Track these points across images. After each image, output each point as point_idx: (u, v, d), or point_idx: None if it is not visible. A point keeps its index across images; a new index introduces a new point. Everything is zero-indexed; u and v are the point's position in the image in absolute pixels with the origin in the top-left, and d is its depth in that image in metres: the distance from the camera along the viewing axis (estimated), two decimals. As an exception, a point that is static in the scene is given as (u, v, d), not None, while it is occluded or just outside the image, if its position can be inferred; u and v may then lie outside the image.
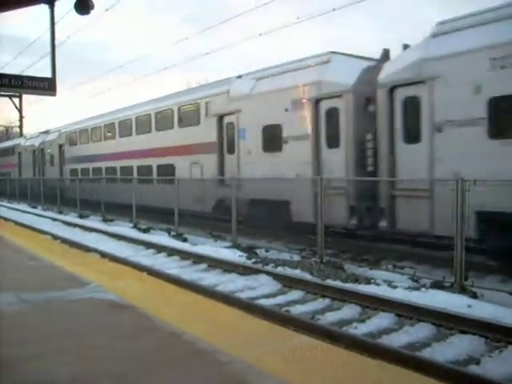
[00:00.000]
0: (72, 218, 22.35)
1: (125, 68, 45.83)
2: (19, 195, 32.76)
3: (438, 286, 8.69)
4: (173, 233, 16.00)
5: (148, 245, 13.82)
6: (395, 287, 8.51)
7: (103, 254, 11.68)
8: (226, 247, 13.04)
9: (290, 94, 14.17)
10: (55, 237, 14.85)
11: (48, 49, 9.34)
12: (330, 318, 7.33)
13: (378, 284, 8.81)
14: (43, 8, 8.94)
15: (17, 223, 18.91)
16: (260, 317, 6.25)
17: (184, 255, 12.17)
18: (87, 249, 12.50)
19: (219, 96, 17.20)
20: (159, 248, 13.23)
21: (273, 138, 14.98)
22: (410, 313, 7.13)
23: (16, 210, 27.18)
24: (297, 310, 7.75)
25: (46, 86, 8.71)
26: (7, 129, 64.98)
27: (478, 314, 6.72)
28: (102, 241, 14.92)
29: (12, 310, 5.82)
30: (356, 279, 9.20)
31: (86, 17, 8.51)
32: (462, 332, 6.43)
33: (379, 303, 7.58)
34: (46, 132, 34.97)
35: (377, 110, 12.07)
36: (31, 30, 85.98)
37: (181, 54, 52.57)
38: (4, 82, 8.70)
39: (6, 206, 29.75)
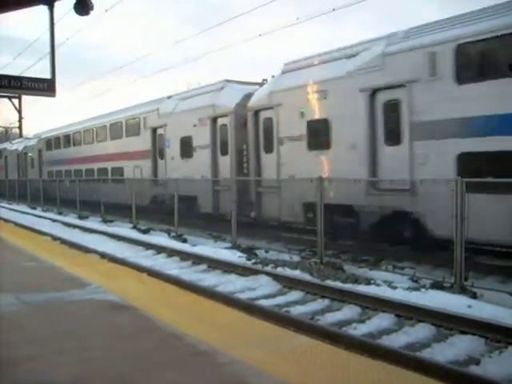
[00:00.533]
0: (71, 218, 22.36)
1: (124, 69, 45.85)
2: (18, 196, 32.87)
3: (437, 286, 8.69)
4: (173, 234, 16.00)
5: (148, 246, 13.81)
6: (395, 288, 8.51)
7: (103, 255, 11.67)
8: (225, 248, 13.04)
9: (197, 113, 18.34)
10: (55, 238, 14.85)
11: (47, 50, 9.34)
12: (329, 318, 7.33)
13: (377, 284, 8.81)
14: (42, 9, 8.94)
15: (17, 224, 18.90)
16: (260, 317, 6.25)
17: (184, 256, 12.17)
18: (87, 250, 12.50)
19: (153, 112, 21.33)
20: (159, 249, 13.23)
21: (187, 147, 18.96)
22: (409, 313, 7.12)
23: (16, 211, 27.18)
24: (296, 310, 7.74)
25: (46, 87, 8.69)
26: (6, 130, 64.92)
27: (477, 315, 6.72)
28: (101, 242, 14.90)
29: (11, 310, 5.82)
30: (356, 280, 9.19)
31: (85, 18, 8.52)
32: (462, 332, 6.42)
33: (379, 304, 7.57)
34: (29, 138, 39.91)
35: (248, 127, 15.90)
36: (30, 31, 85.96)
37: (180, 54, 52.72)
38: (3, 82, 8.68)
39: (5, 207, 29.74)
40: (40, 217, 23.52)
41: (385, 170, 11.80)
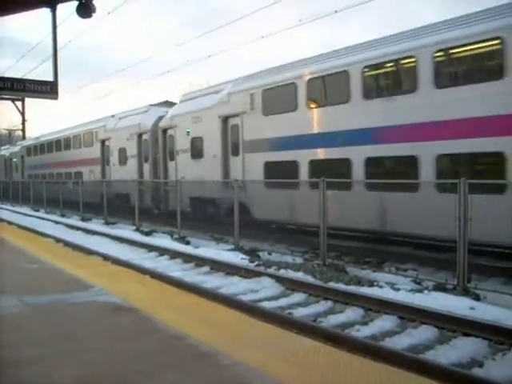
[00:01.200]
0: (74, 220, 22.40)
1: (127, 71, 45.97)
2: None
3: (440, 288, 8.67)
4: (175, 236, 16.01)
5: (150, 248, 13.82)
6: (398, 289, 8.50)
7: (106, 257, 11.68)
8: (228, 250, 13.04)
9: (128, 130, 24.05)
10: (58, 240, 14.87)
11: (50, 52, 9.37)
12: (332, 320, 7.32)
13: (380, 286, 8.80)
14: (45, 12, 8.97)
15: (20, 226, 18.94)
16: (262, 319, 6.23)
17: (186, 258, 12.18)
18: (90, 252, 12.51)
19: (101, 128, 27.10)
20: (162, 251, 13.24)
21: (123, 156, 24.76)
22: (412, 315, 7.11)
23: (19, 213, 27.24)
24: (299, 312, 7.73)
25: (48, 90, 8.73)
26: (10, 132, 65.10)
27: (480, 317, 6.70)
28: (104, 243, 14.93)
29: (14, 312, 5.82)
30: (359, 282, 9.19)
31: (87, 20, 8.55)
32: (465, 334, 6.41)
33: (382, 306, 7.56)
34: (14, 145, 44.97)
35: (159, 141, 21.37)
36: (33, 33, 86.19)
37: (183, 56, 52.84)
38: (6, 85, 8.73)
39: (8, 209, 29.81)
40: (43, 219, 23.57)
41: (233, 172, 17.12)
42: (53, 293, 6.79)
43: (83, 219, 22.82)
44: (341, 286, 8.85)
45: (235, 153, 17.08)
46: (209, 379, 3.90)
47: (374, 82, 13.24)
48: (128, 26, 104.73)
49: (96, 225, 20.31)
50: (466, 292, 8.35)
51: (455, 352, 5.95)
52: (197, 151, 18.87)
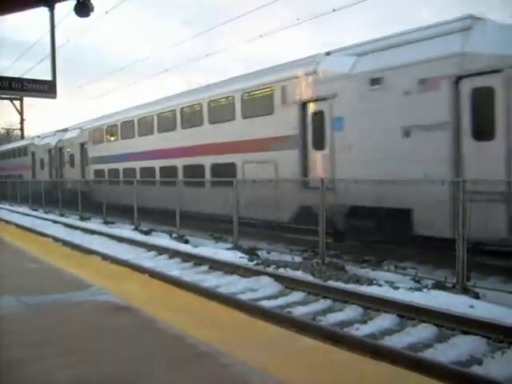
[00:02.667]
0: (73, 220, 22.37)
1: (125, 70, 45.92)
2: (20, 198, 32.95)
3: (440, 286, 8.67)
4: (174, 235, 16.00)
5: (149, 247, 13.81)
6: (397, 288, 8.49)
7: (104, 257, 11.68)
8: (227, 249, 13.03)
9: (44, 147, 34.35)
10: (56, 239, 14.87)
11: (48, 52, 9.35)
12: (331, 319, 7.32)
13: (379, 285, 8.80)
14: (43, 11, 8.95)
15: (18, 226, 18.92)
16: (262, 318, 6.24)
17: (185, 257, 12.17)
18: (88, 251, 12.51)
19: (31, 144, 37.94)
20: (161, 250, 13.23)
21: (42, 163, 35.73)
22: (412, 314, 7.12)
23: (17, 212, 27.22)
24: (298, 311, 7.73)
25: (47, 89, 8.71)
26: (8, 131, 65.01)
27: (480, 315, 6.71)
28: (103, 243, 14.92)
29: (13, 312, 5.81)
30: (358, 280, 9.19)
31: (85, 19, 8.53)
32: (465, 333, 6.42)
33: (381, 304, 7.57)
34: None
35: (57, 156, 31.09)
36: (29, 33, 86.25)
37: (181, 55, 52.84)
38: (4, 84, 8.70)
39: (7, 209, 29.78)
40: (42, 218, 23.54)
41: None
42: (52, 292, 6.78)
43: (82, 218, 22.80)
44: (340, 285, 8.85)
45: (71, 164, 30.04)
46: (209, 378, 3.90)
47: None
48: (126, 25, 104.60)
49: (95, 224, 20.28)
50: (465, 290, 8.35)
51: (454, 350, 5.96)
52: (72, 162, 29.51)
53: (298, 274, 9.87)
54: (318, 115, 13.26)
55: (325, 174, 12.69)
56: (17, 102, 52.82)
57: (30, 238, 14.81)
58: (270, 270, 10.30)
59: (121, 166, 23.68)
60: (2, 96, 44.12)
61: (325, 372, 4.05)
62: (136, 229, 18.03)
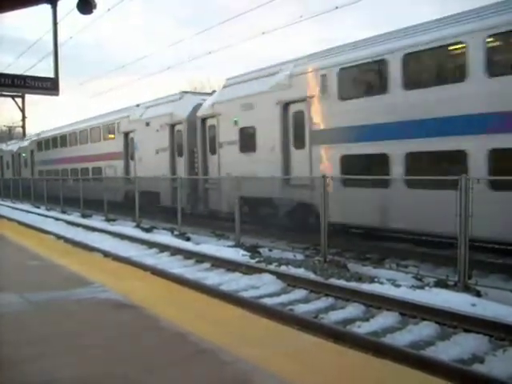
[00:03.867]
0: (75, 217, 22.39)
1: (127, 68, 45.90)
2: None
3: (441, 284, 8.66)
4: (176, 232, 16.00)
5: (151, 244, 13.83)
6: (399, 286, 8.50)
7: (106, 254, 11.70)
8: (229, 246, 13.04)
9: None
10: (58, 236, 14.88)
11: (49, 49, 9.34)
12: (333, 317, 7.33)
13: (381, 283, 8.79)
14: (43, 9, 8.92)
15: (20, 223, 18.95)
16: (263, 316, 6.23)
17: (187, 254, 12.18)
18: (90, 248, 12.52)
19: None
20: (162, 247, 13.25)
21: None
22: (413, 311, 7.12)
23: (19, 209, 27.25)
24: (300, 309, 7.74)
25: (49, 86, 8.69)
26: (10, 129, 65.04)
27: (481, 313, 6.71)
28: (104, 240, 14.94)
29: (15, 309, 5.82)
30: (359, 278, 9.18)
31: (87, 17, 8.51)
32: (466, 331, 6.42)
33: (383, 302, 7.57)
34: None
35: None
36: (30, 31, 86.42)
37: (183, 53, 52.84)
38: (6, 81, 8.69)
39: (9, 206, 29.81)
40: (43, 215, 23.57)
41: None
42: (54, 290, 6.79)
43: (84, 216, 22.82)
44: (342, 283, 8.86)
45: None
46: (210, 376, 3.90)
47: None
48: (127, 23, 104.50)
49: (96, 221, 20.31)
50: (466, 288, 8.34)
51: (456, 348, 5.96)
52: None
53: (300, 272, 9.87)
54: (129, 140, 23.88)
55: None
56: (18, 100, 52.84)
57: (31, 235, 14.82)
58: (272, 267, 10.30)
59: (57, 166, 32.32)
60: (4, 93, 44.10)
61: (327, 370, 4.05)
62: (138, 226, 18.04)
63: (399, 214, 11.34)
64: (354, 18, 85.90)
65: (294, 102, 14.47)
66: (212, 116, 17.94)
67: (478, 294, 8.09)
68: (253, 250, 12.44)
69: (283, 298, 8.40)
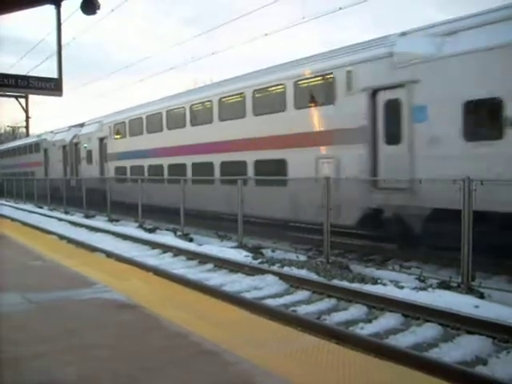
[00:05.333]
0: (78, 218, 22.44)
1: (130, 68, 45.98)
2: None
3: (444, 286, 8.65)
4: (179, 233, 16.01)
5: (154, 245, 13.83)
6: (402, 287, 8.48)
7: (109, 254, 11.70)
8: (231, 247, 13.04)
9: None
10: (61, 237, 14.89)
11: (52, 50, 9.34)
12: (336, 318, 7.32)
13: (384, 284, 8.78)
14: (46, 9, 8.93)
15: (23, 223, 18.97)
16: (266, 317, 6.23)
17: (190, 255, 12.18)
18: (93, 249, 12.53)
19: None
20: (165, 248, 13.25)
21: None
22: (416, 313, 7.10)
23: (23, 210, 27.30)
24: (303, 310, 7.73)
25: (53, 87, 8.70)
26: (13, 129, 65.25)
27: (485, 315, 6.69)
28: (107, 241, 14.96)
29: (18, 309, 5.83)
30: (362, 279, 9.17)
31: (89, 17, 8.52)
32: (469, 332, 6.40)
33: (386, 303, 7.56)
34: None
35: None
36: (31, 31, 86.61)
37: (186, 54, 52.87)
38: (10, 82, 8.71)
39: (12, 207, 29.87)
40: (47, 216, 23.61)
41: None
42: (56, 290, 6.80)
43: (87, 216, 22.86)
44: (344, 284, 8.85)
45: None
46: (213, 376, 3.90)
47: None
48: (130, 23, 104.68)
49: (99, 222, 20.33)
50: (470, 290, 8.32)
51: (459, 350, 5.94)
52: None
53: (303, 273, 9.86)
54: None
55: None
56: (22, 100, 53.03)
57: (35, 236, 14.84)
58: (275, 268, 10.30)
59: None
60: (8, 94, 44.24)
61: (329, 371, 4.04)
62: (140, 226, 18.06)
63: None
64: (357, 19, 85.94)
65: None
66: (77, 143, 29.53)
67: (482, 296, 8.07)
68: (255, 251, 12.44)
69: (286, 299, 8.39)
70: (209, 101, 18.22)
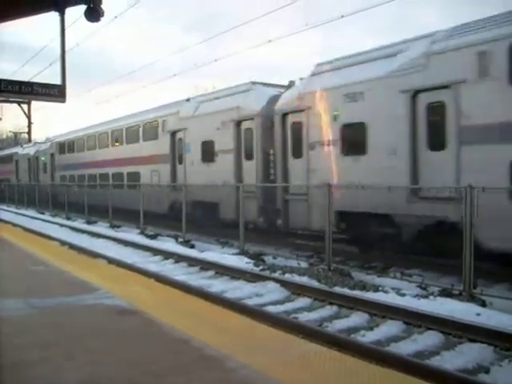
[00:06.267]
0: (80, 223, 22.45)
1: (132, 75, 46.14)
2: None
3: (446, 293, 8.64)
4: (180, 239, 16.02)
5: (155, 251, 13.84)
6: (403, 295, 8.47)
7: (110, 260, 11.70)
8: (233, 254, 13.04)
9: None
10: (63, 242, 14.89)
11: (55, 56, 9.40)
12: (337, 325, 7.31)
13: (385, 291, 8.78)
14: (50, 16, 8.97)
15: (25, 229, 18.99)
16: (267, 324, 6.23)
17: (191, 262, 12.18)
18: (95, 255, 12.53)
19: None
20: (167, 254, 13.25)
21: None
22: (418, 321, 7.09)
23: (24, 215, 27.32)
24: (304, 317, 7.73)
25: (56, 93, 8.73)
26: (16, 134, 65.40)
27: (486, 323, 6.68)
28: (109, 247, 14.97)
29: (20, 315, 5.84)
30: (364, 286, 9.17)
31: (92, 24, 8.56)
32: (471, 340, 6.39)
33: (387, 311, 7.54)
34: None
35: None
36: (32, 38, 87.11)
37: (189, 60, 53.27)
38: (14, 88, 8.74)
39: (14, 212, 29.90)
40: (48, 222, 23.63)
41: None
42: (58, 295, 6.80)
43: (88, 222, 22.87)
44: (346, 291, 8.84)
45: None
46: (214, 382, 3.90)
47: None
48: (133, 30, 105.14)
49: (101, 228, 20.35)
50: (471, 298, 8.31)
51: (461, 358, 5.93)
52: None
53: (304, 280, 9.86)
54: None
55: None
56: (24, 106, 53.16)
57: (36, 241, 14.85)
58: (276, 275, 10.30)
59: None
60: (11, 99, 44.37)
61: (330, 378, 4.03)
62: (142, 233, 18.07)
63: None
64: (360, 26, 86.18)
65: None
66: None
67: (483, 304, 8.06)
68: (257, 258, 12.44)
69: (287, 306, 8.38)
70: (105, 132, 27.34)
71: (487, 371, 5.55)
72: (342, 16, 15.37)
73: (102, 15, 8.15)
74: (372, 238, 12.33)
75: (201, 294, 8.29)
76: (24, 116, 54.65)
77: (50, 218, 25.61)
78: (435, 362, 5.80)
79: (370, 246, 12.57)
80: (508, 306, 7.87)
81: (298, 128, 14.39)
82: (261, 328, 5.76)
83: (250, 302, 8.44)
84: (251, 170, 16.38)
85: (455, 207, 9.73)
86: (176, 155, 20.55)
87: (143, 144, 23.05)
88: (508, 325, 6.58)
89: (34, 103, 52.76)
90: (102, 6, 8.14)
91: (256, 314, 7.18)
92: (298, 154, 14.47)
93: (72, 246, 14.07)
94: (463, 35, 10.65)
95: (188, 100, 20.73)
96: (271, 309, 8.06)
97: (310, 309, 8.30)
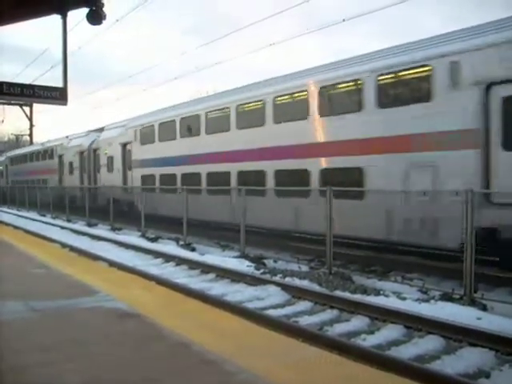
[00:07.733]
0: (80, 226, 22.46)
1: (133, 78, 46.23)
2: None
3: (447, 297, 8.63)
4: (181, 242, 16.02)
5: (156, 254, 13.84)
6: (404, 299, 8.47)
7: (111, 263, 11.71)
8: (234, 257, 13.04)
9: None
10: (64, 245, 14.91)
11: (57, 59, 9.43)
12: (338, 329, 7.30)
13: (386, 295, 8.77)
14: (52, 19, 9.00)
15: (26, 231, 19.00)
16: (268, 327, 6.22)
17: (192, 265, 12.18)
18: (96, 257, 12.54)
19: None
20: (168, 257, 13.25)
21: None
22: (419, 325, 7.09)
23: (25, 218, 27.35)
24: (305, 320, 7.72)
25: (58, 96, 8.76)
26: (17, 137, 65.45)
27: (487, 327, 6.67)
28: (110, 249, 14.97)
29: (21, 317, 5.83)
30: (364, 290, 9.16)
31: (92, 27, 8.58)
32: (472, 345, 6.39)
33: (388, 315, 7.54)
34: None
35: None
36: (37, 41, 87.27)
37: (189, 63, 53.33)
38: (16, 91, 8.77)
39: (15, 214, 29.92)
40: (49, 224, 23.64)
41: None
42: (59, 298, 6.79)
43: (89, 225, 22.88)
44: (347, 295, 8.83)
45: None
46: (214, 386, 3.89)
47: None
48: (134, 33, 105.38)
49: (102, 230, 20.35)
50: (472, 302, 8.30)
51: (462, 362, 5.92)
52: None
53: (305, 284, 9.85)
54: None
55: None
56: (26, 108, 53.25)
57: (38, 244, 14.86)
58: (277, 278, 10.29)
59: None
60: (12, 102, 44.47)
61: (331, 382, 4.03)
62: (143, 236, 18.07)
63: None
64: (363, 29, 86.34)
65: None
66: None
67: (484, 308, 8.05)
68: (258, 261, 12.43)
69: (288, 310, 8.38)
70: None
71: (488, 376, 5.55)
72: (344, 20, 15.40)
73: (104, 18, 8.18)
74: None
75: (201, 296, 8.30)
76: (26, 118, 54.79)
77: (51, 221, 25.63)
78: (436, 366, 5.80)
79: None
80: (509, 310, 7.86)
81: (97, 157, 28.39)
82: (261, 331, 5.75)
83: (251, 306, 8.43)
84: (84, 178, 30.62)
85: None
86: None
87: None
88: (509, 329, 6.56)
89: (36, 106, 52.88)
90: (104, 9, 8.17)
91: (256, 317, 7.18)
92: (99, 169, 28.11)
93: (73, 249, 14.09)
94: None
95: (67, 137, 33.68)
96: (272, 312, 8.05)
97: (310, 312, 8.29)
